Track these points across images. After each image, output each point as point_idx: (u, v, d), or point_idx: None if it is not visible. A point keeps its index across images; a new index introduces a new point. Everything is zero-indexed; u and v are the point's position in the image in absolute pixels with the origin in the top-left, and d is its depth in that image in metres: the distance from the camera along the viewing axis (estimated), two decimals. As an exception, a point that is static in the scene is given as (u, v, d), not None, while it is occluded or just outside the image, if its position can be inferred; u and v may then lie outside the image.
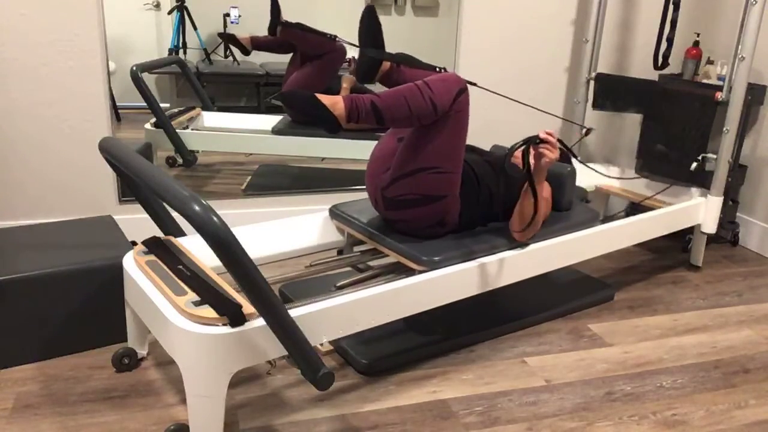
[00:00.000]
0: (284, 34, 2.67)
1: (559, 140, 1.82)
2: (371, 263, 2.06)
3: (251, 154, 2.80)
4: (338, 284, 1.84)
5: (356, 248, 2.15)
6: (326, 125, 1.70)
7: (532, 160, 1.80)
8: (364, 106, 1.70)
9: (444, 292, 1.83)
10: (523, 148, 1.78)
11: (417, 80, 1.81)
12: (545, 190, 2.08)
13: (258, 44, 2.68)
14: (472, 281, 1.88)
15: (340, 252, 2.17)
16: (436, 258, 1.82)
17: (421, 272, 1.81)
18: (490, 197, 2.00)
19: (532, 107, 2.25)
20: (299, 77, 2.75)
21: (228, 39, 2.63)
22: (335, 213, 2.14)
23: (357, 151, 2.87)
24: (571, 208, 2.26)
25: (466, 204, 1.94)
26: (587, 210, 2.28)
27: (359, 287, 1.75)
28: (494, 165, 2.06)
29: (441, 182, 1.82)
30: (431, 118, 1.74)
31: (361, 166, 2.95)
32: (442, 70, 1.94)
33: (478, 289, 1.90)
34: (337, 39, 2.67)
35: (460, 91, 1.75)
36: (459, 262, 1.85)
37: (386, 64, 1.97)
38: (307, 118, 1.69)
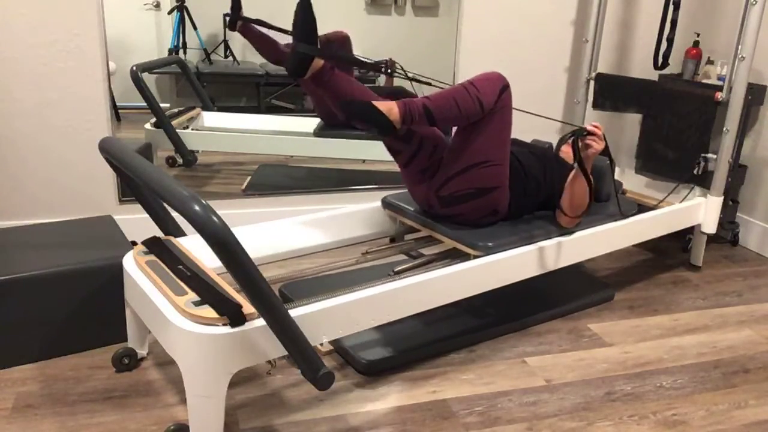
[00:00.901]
0: (243, 30, 2.60)
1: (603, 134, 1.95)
2: (422, 250, 2.17)
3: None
4: (396, 269, 1.94)
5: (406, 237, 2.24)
6: (384, 129, 1.81)
7: (568, 150, 1.96)
8: (417, 110, 1.82)
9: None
10: (572, 139, 1.93)
11: (353, 89, 1.91)
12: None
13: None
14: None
15: (392, 240, 2.28)
16: (490, 243, 1.94)
17: (476, 257, 1.92)
18: (537, 186, 2.11)
19: (529, 113, 2.25)
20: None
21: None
22: (388, 203, 2.25)
23: (367, 152, 2.88)
24: (609, 200, 2.38)
25: (514, 193, 2.05)
26: (625, 201, 2.40)
27: (415, 272, 1.85)
28: (539, 156, 2.17)
29: (492, 174, 1.93)
30: (479, 115, 1.85)
31: (362, 167, 2.95)
32: (384, 65, 1.97)
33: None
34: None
35: (503, 87, 1.87)
36: (512, 247, 1.98)
37: (318, 62, 1.87)
38: (366, 125, 1.81)
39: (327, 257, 2.42)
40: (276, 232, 2.07)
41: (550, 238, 2.06)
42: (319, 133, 2.85)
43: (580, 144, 1.93)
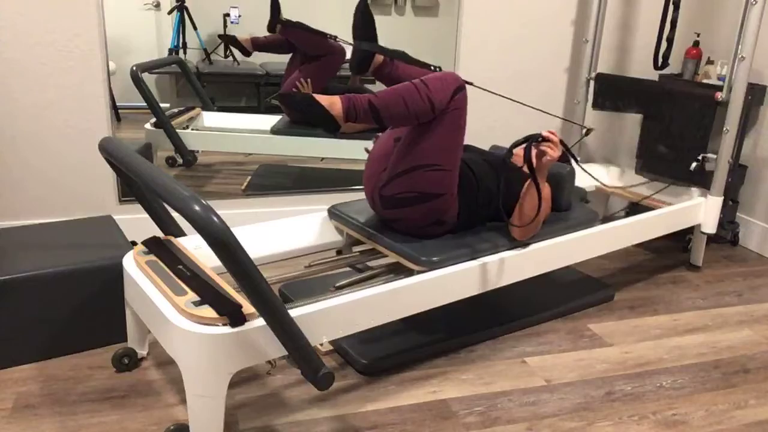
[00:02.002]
0: (283, 33, 2.67)
1: (560, 140, 1.84)
2: (370, 263, 2.06)
3: (250, 154, 2.79)
4: (337, 284, 1.84)
5: (355, 248, 2.15)
6: (324, 125, 1.72)
7: (521, 156, 1.83)
8: (362, 106, 1.72)
9: (444, 292, 1.83)
10: (525, 145, 1.81)
11: (411, 76, 1.90)
12: (545, 190, 2.08)
13: (258, 45, 2.68)
14: (472, 281, 1.88)
15: (339, 252, 2.17)
16: (435, 258, 1.82)
17: (419, 272, 1.81)
18: (489, 196, 2.00)
19: (530, 107, 2.24)
20: (298, 77, 2.75)
21: (228, 40, 2.63)
22: (334, 213, 2.14)
23: (355, 151, 2.87)
24: (570, 209, 2.26)
25: (464, 203, 1.94)
26: (586, 210, 2.28)
27: (358, 287, 1.75)
28: (493, 164, 2.06)
29: (438, 180, 1.82)
30: (429, 116, 1.75)
31: (360, 167, 2.95)
32: (437, 69, 1.96)
33: (478, 289, 1.90)
34: (337, 39, 2.67)
35: (457, 89, 1.76)
36: (458, 262, 1.85)
37: (379, 58, 2.03)
38: (306, 118, 1.72)
39: (330, 256, 2.41)
40: (276, 232, 2.07)
41: (502, 251, 1.94)
42: (319, 133, 2.84)
43: (534, 151, 1.83)
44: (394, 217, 1.92)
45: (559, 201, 2.21)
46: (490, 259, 1.90)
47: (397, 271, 1.94)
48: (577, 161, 2.10)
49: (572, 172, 2.21)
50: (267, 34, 2.67)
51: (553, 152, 1.81)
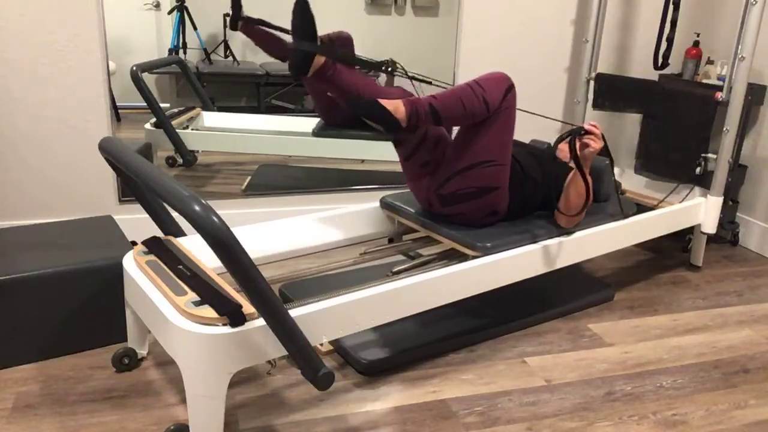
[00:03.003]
0: (244, 31, 2.59)
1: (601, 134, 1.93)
2: (420, 251, 2.18)
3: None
4: (394, 270, 1.94)
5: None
6: (390, 128, 1.82)
7: (566, 150, 1.94)
8: (423, 108, 1.82)
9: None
10: (569, 138, 1.91)
11: (355, 84, 1.92)
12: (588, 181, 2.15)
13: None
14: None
15: (390, 240, 2.27)
16: (489, 244, 1.93)
17: (475, 257, 1.92)
18: (535, 187, 2.11)
19: (529, 112, 2.25)
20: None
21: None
22: (386, 203, 2.25)
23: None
24: (608, 200, 2.38)
25: (514, 194, 2.04)
26: (625, 201, 2.39)
27: (414, 273, 1.84)
28: (537, 157, 2.17)
29: (494, 174, 1.93)
30: (484, 115, 1.85)
31: (361, 167, 2.95)
32: (388, 68, 1.95)
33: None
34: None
35: (509, 88, 1.88)
36: (511, 247, 1.97)
37: (320, 59, 1.89)
38: (372, 122, 1.81)
39: (327, 257, 2.42)
40: (276, 232, 2.07)
41: (549, 238, 2.06)
42: (319, 133, 2.85)
43: (578, 143, 1.93)
44: (454, 212, 2.02)
45: (598, 192, 2.32)
46: (538, 245, 2.02)
47: (449, 257, 2.04)
48: (611, 157, 2.20)
49: (610, 165, 2.30)
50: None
51: (596, 144, 1.92)
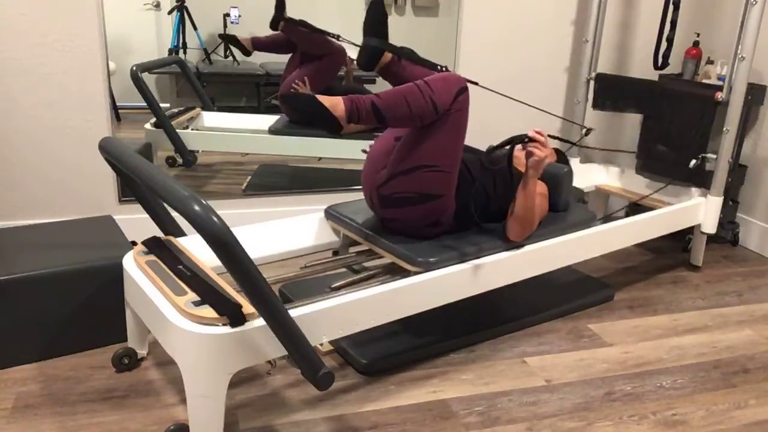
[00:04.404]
0: (286, 31, 2.66)
1: (556, 138, 1.82)
2: (366, 264, 2.06)
3: (247, 154, 2.79)
4: (333, 285, 1.84)
5: (352, 249, 2.15)
6: (327, 126, 1.72)
7: (523, 159, 1.82)
8: (365, 107, 1.71)
9: (441, 293, 1.83)
10: (508, 148, 1.80)
11: (418, 76, 1.85)
12: (540, 190, 2.08)
13: (259, 45, 2.68)
14: (469, 282, 1.88)
15: (335, 253, 2.17)
16: (432, 259, 1.81)
17: (416, 273, 1.81)
18: (486, 197, 2.00)
19: (534, 107, 2.24)
20: (296, 77, 2.75)
21: (229, 40, 2.63)
22: (331, 214, 2.14)
23: (353, 151, 2.86)
24: (568, 209, 2.25)
25: (461, 204, 1.93)
26: (584, 211, 2.28)
27: (354, 288, 1.76)
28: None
29: (438, 181, 1.82)
30: (431, 117, 1.74)
31: (359, 167, 2.95)
32: (444, 69, 1.94)
33: (475, 290, 1.90)
34: (340, 39, 2.66)
35: (460, 90, 1.76)
36: (454, 263, 1.85)
37: (387, 56, 1.98)
38: (308, 119, 1.72)
39: (327, 257, 2.42)
40: (276, 232, 2.07)
41: (497, 252, 1.93)
42: (317, 132, 2.84)
43: (518, 152, 1.81)
44: (391, 217, 1.92)
45: (556, 201, 2.21)
46: (487, 260, 1.90)
47: (393, 272, 1.94)
48: (567, 161, 2.10)
49: (570, 173, 2.21)
50: (268, 33, 2.67)
51: (540, 152, 1.78)
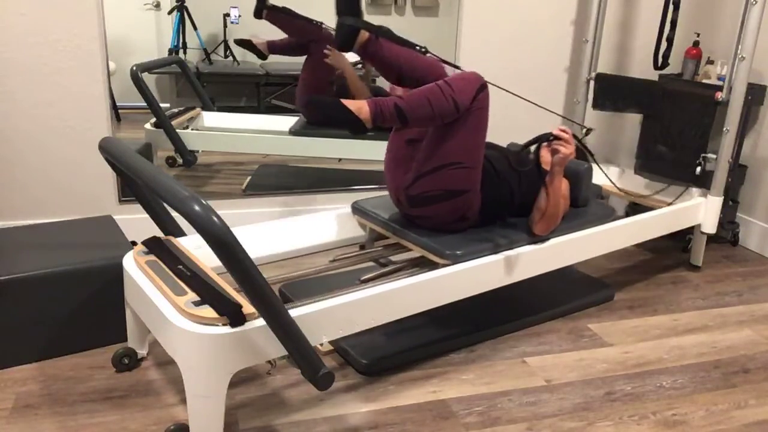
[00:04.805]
0: (269, 18, 2.62)
1: (575, 137, 1.87)
2: (392, 258, 2.11)
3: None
4: (362, 278, 1.88)
5: (377, 243, 2.20)
6: (353, 128, 1.77)
7: (548, 157, 1.87)
8: (388, 109, 1.77)
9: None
10: (536, 145, 1.86)
11: (398, 56, 1.89)
12: (563, 186, 2.12)
13: (274, 48, 2.68)
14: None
15: (362, 247, 2.22)
16: (459, 251, 1.87)
17: (444, 266, 1.85)
18: (510, 192, 2.06)
19: (539, 106, 2.24)
20: (306, 81, 2.75)
21: (245, 45, 2.62)
22: (357, 209, 2.20)
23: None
24: (587, 205, 2.32)
25: (486, 199, 1.99)
26: (603, 206, 2.35)
27: (382, 281, 1.80)
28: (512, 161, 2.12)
29: (463, 177, 1.88)
30: (453, 116, 1.80)
31: (360, 166, 2.95)
32: (423, 49, 1.94)
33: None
34: (323, 26, 2.65)
35: (480, 88, 1.82)
36: (483, 255, 1.90)
37: (364, 34, 1.92)
38: (334, 122, 1.76)
39: (327, 257, 2.42)
40: (276, 232, 2.07)
41: (522, 245, 1.98)
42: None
43: (547, 149, 1.85)
44: (420, 215, 1.97)
45: (576, 197, 2.28)
46: (512, 253, 1.96)
47: (420, 265, 1.98)
48: (592, 156, 2.14)
49: (590, 169, 2.27)
50: (269, 34, 2.66)
51: (566, 149, 1.84)
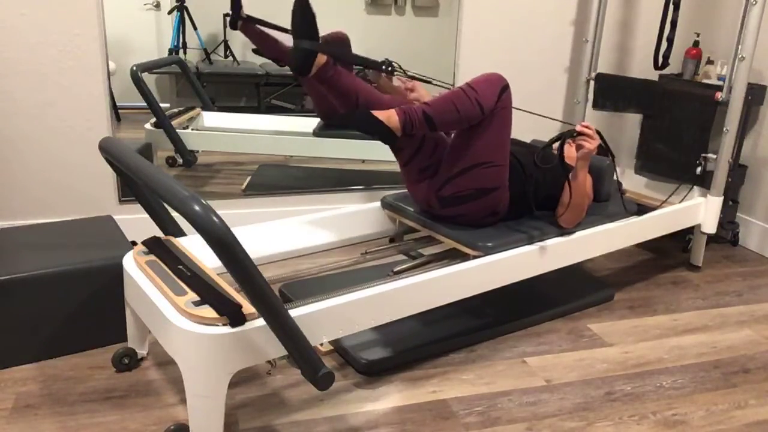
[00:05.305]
0: (243, 30, 2.49)
1: (598, 132, 1.94)
2: (422, 251, 2.18)
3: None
4: (395, 269, 1.95)
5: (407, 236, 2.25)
6: (384, 138, 1.85)
7: (572, 152, 1.94)
8: (417, 116, 1.83)
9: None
10: (560, 141, 1.92)
11: (355, 86, 1.94)
12: (588, 181, 2.18)
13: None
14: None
15: (392, 240, 2.28)
16: (490, 243, 1.94)
17: (475, 257, 1.92)
18: (536, 186, 2.12)
19: (537, 114, 2.25)
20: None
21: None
22: (387, 203, 2.26)
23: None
24: (609, 199, 2.38)
25: (513, 194, 2.05)
26: (626, 201, 2.39)
27: (415, 272, 1.85)
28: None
29: (493, 175, 1.94)
30: (479, 118, 1.85)
31: (361, 167, 2.95)
32: (389, 68, 1.96)
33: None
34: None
35: (503, 89, 1.87)
36: (512, 247, 1.97)
37: (321, 58, 1.89)
38: (366, 132, 1.83)
39: (327, 257, 2.43)
40: (276, 232, 2.07)
41: (549, 238, 2.06)
42: (319, 133, 2.85)
43: (572, 145, 1.92)
44: (454, 214, 2.03)
45: (599, 192, 2.34)
46: (540, 245, 2.02)
47: (450, 257, 2.05)
48: (612, 156, 2.20)
49: (612, 165, 2.31)
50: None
51: (590, 144, 1.91)
